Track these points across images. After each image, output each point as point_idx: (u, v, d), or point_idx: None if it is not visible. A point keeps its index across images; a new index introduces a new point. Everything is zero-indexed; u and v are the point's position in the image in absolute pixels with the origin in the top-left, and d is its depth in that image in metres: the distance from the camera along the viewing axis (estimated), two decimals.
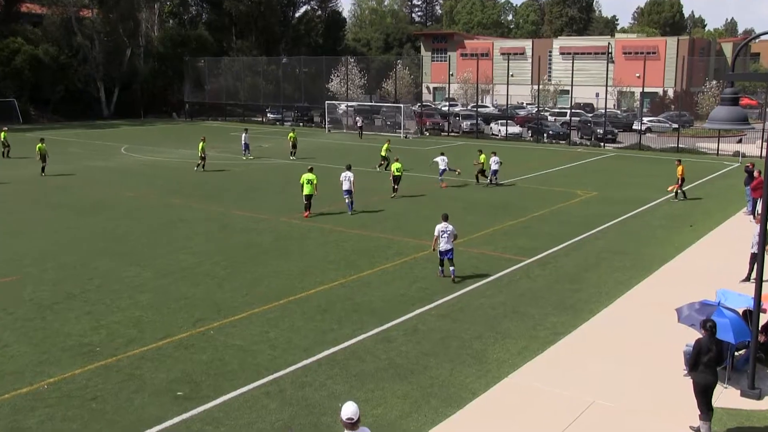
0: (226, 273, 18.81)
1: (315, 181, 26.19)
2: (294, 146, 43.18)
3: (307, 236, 23.09)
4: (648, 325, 15.05)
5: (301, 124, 71.13)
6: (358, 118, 59.60)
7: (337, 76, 75.80)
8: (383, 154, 38.23)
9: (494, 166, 33.84)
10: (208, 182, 34.50)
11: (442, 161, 33.33)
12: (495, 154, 34.81)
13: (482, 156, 34.44)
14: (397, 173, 30.28)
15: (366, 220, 25.73)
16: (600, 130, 55.03)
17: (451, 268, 18.19)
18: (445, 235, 17.86)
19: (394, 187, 30.45)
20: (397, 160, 31.36)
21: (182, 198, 30.06)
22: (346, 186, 26.76)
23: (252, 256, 20.55)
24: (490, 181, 33.69)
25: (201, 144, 37.97)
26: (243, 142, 43.53)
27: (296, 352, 13.56)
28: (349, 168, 27.42)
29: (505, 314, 15.76)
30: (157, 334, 14.41)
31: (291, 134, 44.03)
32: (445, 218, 18.14)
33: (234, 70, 79.26)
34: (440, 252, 18.12)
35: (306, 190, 26.05)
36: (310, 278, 18.32)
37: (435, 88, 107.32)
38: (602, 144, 53.06)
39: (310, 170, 26.72)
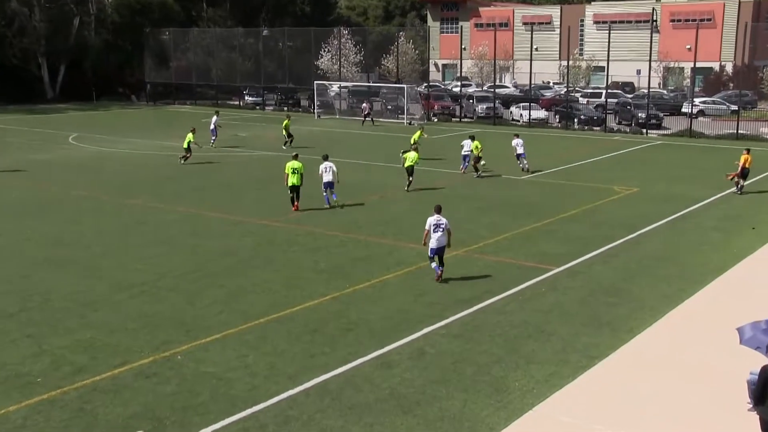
0: (197, 286, 18.81)
1: (302, 170, 27.45)
2: (290, 135, 44.28)
3: (294, 241, 23.11)
4: (702, 348, 15.01)
5: (285, 108, 71.19)
6: (365, 104, 59.55)
7: (328, 51, 75.84)
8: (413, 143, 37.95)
9: (519, 150, 35.45)
10: (175, 178, 34.51)
11: (468, 145, 35.25)
12: (517, 136, 36.44)
13: (476, 143, 35.13)
14: (410, 164, 31.06)
15: (363, 222, 25.74)
16: (642, 114, 55.08)
17: (439, 268, 19.05)
18: (439, 229, 18.80)
19: (409, 180, 31.26)
20: (415, 149, 32.14)
21: (144, 197, 30.08)
22: (327, 178, 27.86)
23: (228, 266, 20.56)
24: (525, 168, 35.57)
25: (190, 135, 38.23)
26: (212, 126, 44.51)
27: (280, 380, 13.54)
28: (326, 158, 28.44)
29: (529, 334, 15.75)
30: (113, 361, 14.40)
31: (286, 122, 45.31)
32: (438, 210, 19.17)
33: (205, 44, 79.39)
34: (431, 249, 18.98)
35: (292, 181, 27.23)
36: (297, 292, 18.33)
37: (444, 66, 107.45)
38: (645, 131, 53.11)
39: (296, 157, 28.06)
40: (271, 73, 75.46)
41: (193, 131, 38.91)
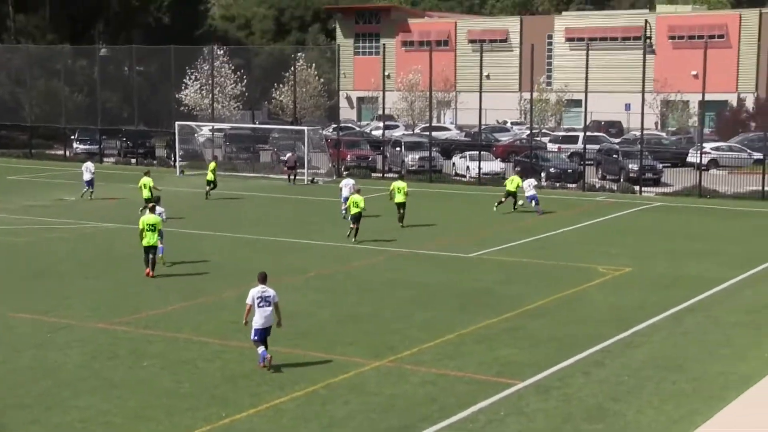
0: None
1: (160, 226, 30.51)
2: (211, 184, 50.07)
3: (146, 353, 22.75)
4: None
5: (133, 160, 70.63)
6: (290, 154, 59.07)
7: (196, 79, 75.98)
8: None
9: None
10: None
11: (347, 188, 41.53)
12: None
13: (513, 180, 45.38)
14: (355, 209, 36.70)
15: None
16: (634, 166, 56.26)
17: (266, 353, 21.07)
18: (264, 303, 20.99)
19: (352, 228, 37.05)
20: (358, 191, 37.98)
21: None
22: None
23: (43, 392, 20.06)
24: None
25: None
26: (88, 176, 49.35)
27: None
28: (158, 201, 33.28)
29: None
30: None
31: (212, 164, 51.18)
32: (263, 279, 21.38)
33: (13, 66, 78.60)
34: (255, 330, 21.09)
35: (148, 240, 30.13)
36: (151, 427, 18.02)
37: (361, 100, 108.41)
38: (638, 188, 54.20)
39: (152, 210, 31.21)
40: (112, 111, 75.05)
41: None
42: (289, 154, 59.33)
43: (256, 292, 21.10)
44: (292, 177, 57.71)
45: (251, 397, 19.60)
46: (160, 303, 27.40)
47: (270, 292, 21.13)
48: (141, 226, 30.20)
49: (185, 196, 51.36)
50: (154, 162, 69.66)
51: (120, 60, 79.56)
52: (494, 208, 44.96)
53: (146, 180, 42.83)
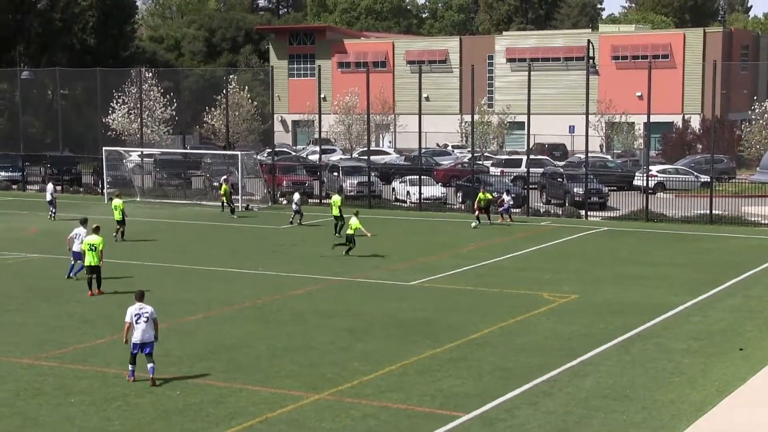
0: None
1: (100, 246, 31.99)
2: (230, 200, 54.29)
3: (74, 389, 22.50)
4: None
5: (58, 187, 69.91)
6: (223, 177, 58.02)
7: (124, 103, 75.52)
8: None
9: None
10: None
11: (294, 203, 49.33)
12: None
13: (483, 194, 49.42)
14: (350, 231, 39.75)
15: (180, 354, 25.33)
16: (579, 190, 56.75)
17: (150, 366, 22.41)
18: (142, 320, 22.47)
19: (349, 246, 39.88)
20: (356, 214, 40.78)
21: None
22: (77, 248, 33.74)
23: None
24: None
25: (119, 202, 45.09)
26: (49, 197, 52.63)
27: None
28: (84, 223, 34.75)
29: None
30: None
31: (224, 186, 54.35)
32: (140, 297, 22.98)
33: None
34: (134, 345, 22.54)
35: (89, 260, 31.85)
36: None
37: (296, 123, 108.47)
38: (584, 213, 54.61)
39: (96, 230, 32.52)
40: (36, 136, 74.30)
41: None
42: (224, 178, 58.72)
43: (134, 309, 22.59)
44: (230, 207, 57.12)
45: None
46: (87, 337, 27.14)
47: (147, 308, 22.62)
48: (83, 248, 32.25)
49: (112, 223, 50.88)
50: (81, 189, 69.04)
51: (43, 83, 78.89)
52: (473, 225, 49.14)
53: (117, 202, 44.94)
